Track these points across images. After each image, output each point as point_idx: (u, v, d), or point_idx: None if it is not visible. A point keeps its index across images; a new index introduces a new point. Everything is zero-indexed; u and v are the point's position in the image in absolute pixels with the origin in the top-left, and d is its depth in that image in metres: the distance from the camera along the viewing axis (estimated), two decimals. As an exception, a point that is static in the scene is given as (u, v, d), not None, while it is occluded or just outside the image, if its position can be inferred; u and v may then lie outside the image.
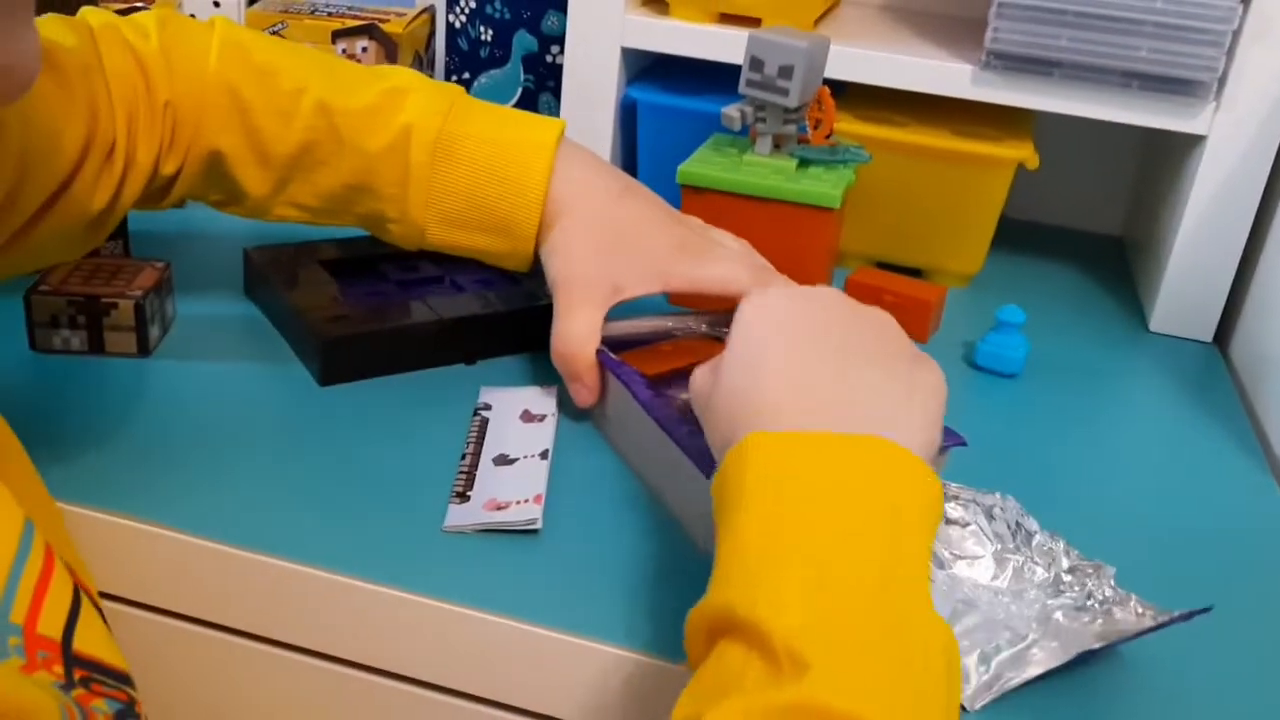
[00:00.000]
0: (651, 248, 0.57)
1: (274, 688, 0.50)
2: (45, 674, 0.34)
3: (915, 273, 0.80)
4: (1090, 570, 0.46)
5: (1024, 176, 0.77)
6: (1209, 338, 0.76)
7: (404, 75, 0.58)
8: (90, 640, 0.36)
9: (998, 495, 0.49)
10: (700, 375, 0.46)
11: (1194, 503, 0.58)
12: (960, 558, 0.46)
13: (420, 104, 0.57)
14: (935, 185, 0.77)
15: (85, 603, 0.37)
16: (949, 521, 0.47)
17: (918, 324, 0.71)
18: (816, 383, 0.41)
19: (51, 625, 0.35)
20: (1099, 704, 0.44)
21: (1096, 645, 0.43)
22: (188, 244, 0.68)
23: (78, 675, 0.36)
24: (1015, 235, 0.89)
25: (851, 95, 0.80)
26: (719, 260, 0.58)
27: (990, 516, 0.48)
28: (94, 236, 0.57)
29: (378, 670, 0.48)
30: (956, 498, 0.48)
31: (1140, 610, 0.45)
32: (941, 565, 0.46)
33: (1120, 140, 0.84)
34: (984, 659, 0.43)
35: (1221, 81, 0.70)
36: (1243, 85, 0.69)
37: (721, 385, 0.43)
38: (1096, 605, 0.45)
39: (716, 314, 0.60)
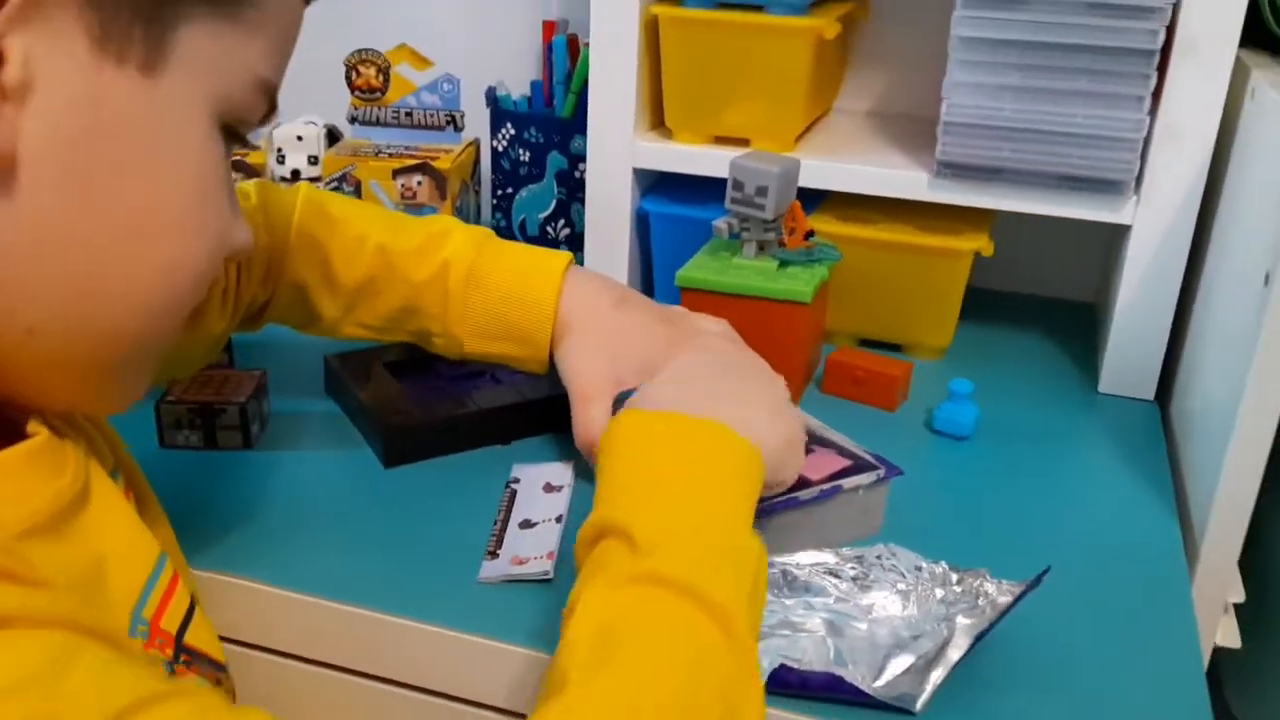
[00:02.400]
0: (644, 348, 0.70)
1: (335, 705, 0.64)
2: (157, 652, 0.47)
3: (895, 348, 0.93)
4: (974, 577, 0.59)
5: (1007, 249, 0.90)
6: (1151, 396, 0.87)
7: (447, 222, 0.74)
8: (198, 637, 0.50)
9: (880, 545, 0.61)
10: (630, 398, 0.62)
11: (1102, 535, 0.69)
12: (873, 606, 0.59)
13: (457, 244, 0.72)
14: (905, 273, 0.90)
15: (199, 610, 0.51)
16: (855, 580, 0.59)
17: (886, 395, 0.83)
18: (687, 393, 0.60)
19: (171, 623, 0.49)
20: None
21: (984, 627, 0.55)
22: (279, 354, 0.83)
23: (183, 659, 0.49)
24: (996, 305, 1.01)
25: (832, 200, 0.94)
26: None
27: (882, 567, 0.60)
28: (211, 354, 0.73)
29: (425, 690, 0.61)
30: (850, 559, 0.60)
31: (1004, 589, 0.58)
32: (867, 614, 0.58)
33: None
34: (917, 671, 0.55)
35: (1139, 180, 0.82)
36: (1157, 182, 0.81)
37: (632, 399, 0.61)
38: (985, 600, 0.57)
39: None
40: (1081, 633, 0.61)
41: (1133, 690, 0.57)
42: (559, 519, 0.67)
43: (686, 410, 0.56)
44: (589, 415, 0.69)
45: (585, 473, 0.72)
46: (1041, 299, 1.06)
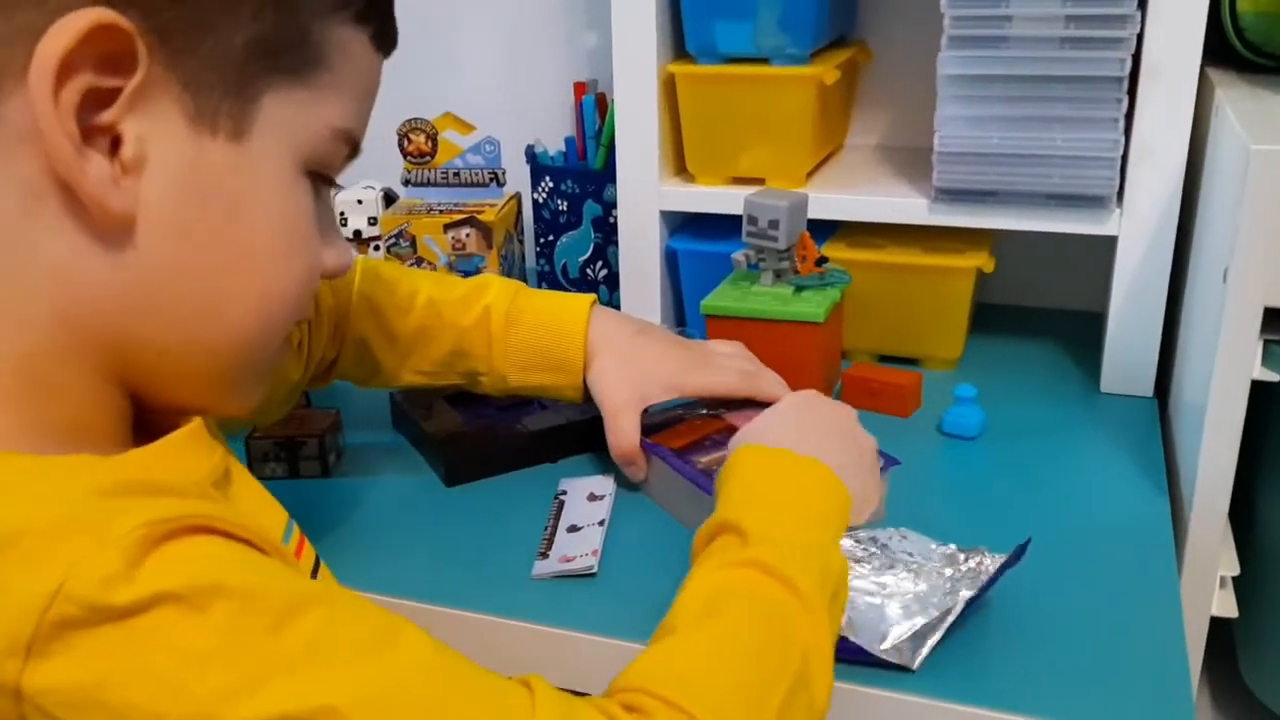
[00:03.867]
0: (664, 367, 0.80)
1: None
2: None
3: (911, 361, 1.00)
4: (977, 555, 0.66)
5: (1014, 267, 1.00)
6: (1149, 393, 0.93)
7: (485, 277, 0.84)
8: (326, 580, 0.60)
9: (892, 530, 0.68)
10: (743, 428, 0.71)
11: (1096, 516, 0.76)
12: (887, 583, 0.66)
13: (495, 292, 0.82)
14: (913, 292, 0.98)
15: (323, 566, 0.61)
16: (872, 560, 0.67)
17: (897, 403, 0.91)
18: (791, 437, 0.67)
19: (304, 569, 0.58)
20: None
21: (974, 594, 0.63)
22: (349, 396, 0.93)
23: None
24: (1006, 319, 1.08)
25: (844, 229, 1.02)
26: (715, 371, 0.81)
27: (896, 549, 0.67)
28: (290, 401, 0.82)
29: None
30: (867, 541, 0.68)
31: (996, 561, 0.65)
32: (881, 590, 0.65)
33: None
34: (917, 636, 0.62)
35: (1121, 194, 0.89)
36: (1136, 196, 0.88)
37: (748, 430, 0.70)
38: (984, 574, 0.65)
39: (713, 401, 0.82)
40: (1072, 603, 0.67)
41: (1117, 650, 0.63)
42: (601, 522, 0.75)
43: (796, 449, 0.65)
44: (619, 427, 0.78)
45: (624, 483, 0.81)
46: (1050, 311, 1.12)
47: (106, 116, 0.44)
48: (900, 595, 0.66)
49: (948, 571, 0.67)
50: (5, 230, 0.45)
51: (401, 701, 0.41)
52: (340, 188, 0.56)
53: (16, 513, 0.40)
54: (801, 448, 0.65)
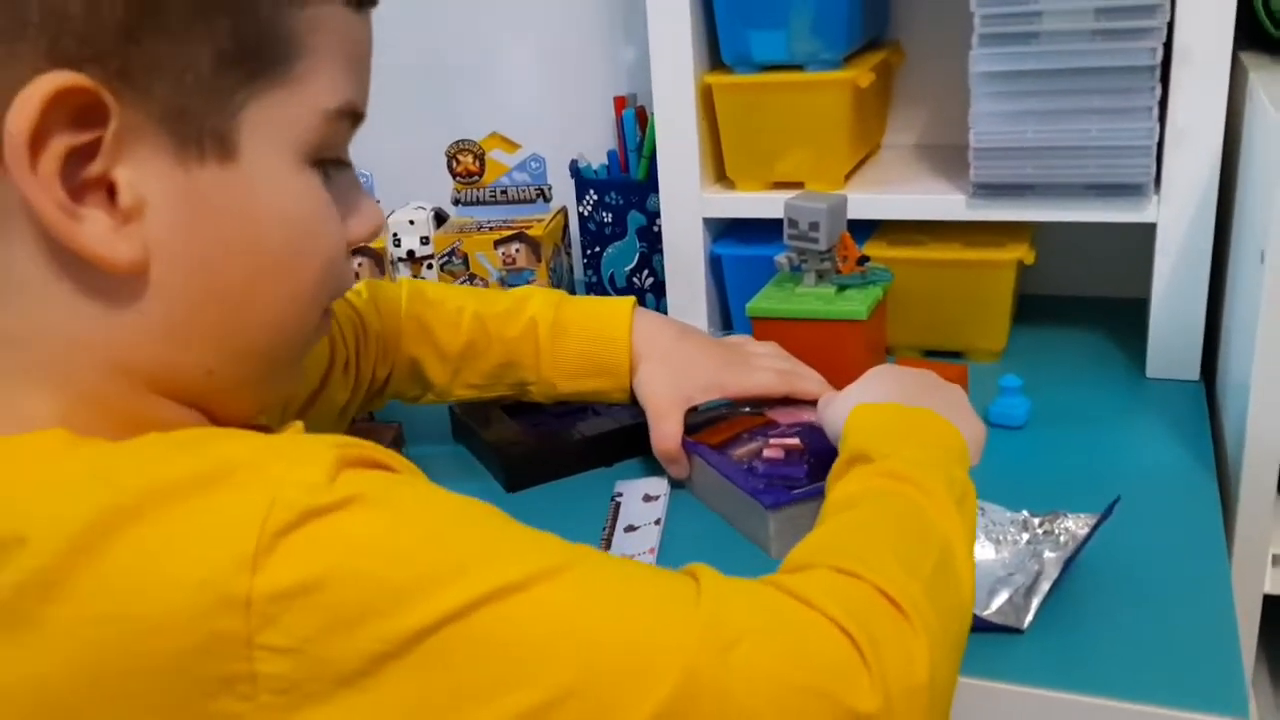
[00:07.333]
0: (706, 369, 0.83)
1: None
2: None
3: (956, 355, 1.02)
4: (1055, 519, 0.69)
5: (1056, 258, 1.02)
6: (1195, 376, 0.94)
7: (526, 289, 0.88)
8: None
9: None
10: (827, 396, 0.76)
11: (1144, 495, 0.76)
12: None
13: (538, 303, 0.85)
14: (956, 286, 0.99)
15: None
16: None
17: (944, 397, 0.92)
18: (894, 395, 0.69)
19: None
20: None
21: (1069, 555, 0.66)
22: (411, 410, 0.97)
23: None
24: (1050, 310, 1.09)
25: (884, 228, 1.04)
26: (755, 371, 0.84)
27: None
28: (340, 425, 0.85)
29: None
30: None
31: (1082, 522, 0.68)
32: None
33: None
34: (1013, 599, 0.64)
35: (1158, 181, 0.90)
36: (1174, 182, 0.89)
37: (840, 396, 0.73)
38: (1067, 535, 0.68)
39: (754, 401, 0.85)
40: (1122, 585, 0.68)
41: (1168, 630, 0.64)
42: (657, 522, 0.78)
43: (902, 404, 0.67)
44: (663, 429, 0.81)
45: (678, 484, 0.83)
46: (1092, 299, 1.13)
47: (95, 169, 0.45)
48: (984, 563, 0.68)
49: (1024, 536, 0.69)
50: (36, 295, 0.46)
51: (582, 575, 0.45)
52: (349, 165, 0.56)
53: (227, 451, 0.43)
54: (906, 402, 0.67)
